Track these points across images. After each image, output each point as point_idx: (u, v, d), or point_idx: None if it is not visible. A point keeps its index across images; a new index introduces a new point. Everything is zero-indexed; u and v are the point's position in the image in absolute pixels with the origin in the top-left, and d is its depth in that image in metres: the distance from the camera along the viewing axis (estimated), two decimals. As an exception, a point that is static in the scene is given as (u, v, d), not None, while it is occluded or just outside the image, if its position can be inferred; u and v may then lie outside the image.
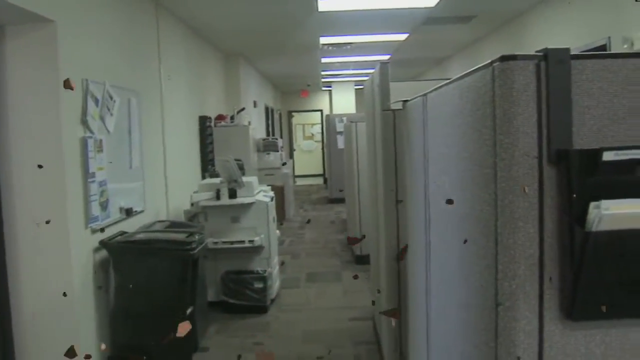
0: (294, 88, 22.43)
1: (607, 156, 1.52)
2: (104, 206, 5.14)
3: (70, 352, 2.98)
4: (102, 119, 5.16)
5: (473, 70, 1.84)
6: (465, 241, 1.89)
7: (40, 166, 4.31)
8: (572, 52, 1.61)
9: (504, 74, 1.61)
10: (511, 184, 1.61)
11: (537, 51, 1.61)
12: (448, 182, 2.28)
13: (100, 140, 5.08)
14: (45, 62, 4.45)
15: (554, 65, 1.59)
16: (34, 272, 4.53)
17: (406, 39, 10.98)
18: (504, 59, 1.61)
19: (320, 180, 23.57)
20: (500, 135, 1.62)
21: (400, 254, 4.14)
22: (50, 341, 4.58)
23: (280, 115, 23.14)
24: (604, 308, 1.60)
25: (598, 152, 1.52)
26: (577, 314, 1.61)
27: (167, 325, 5.19)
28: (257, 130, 13.79)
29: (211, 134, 9.78)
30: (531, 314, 1.62)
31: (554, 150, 1.57)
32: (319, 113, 24.05)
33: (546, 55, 1.59)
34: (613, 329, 1.63)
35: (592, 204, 1.51)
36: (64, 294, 4.45)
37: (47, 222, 4.38)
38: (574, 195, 1.54)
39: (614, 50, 5.98)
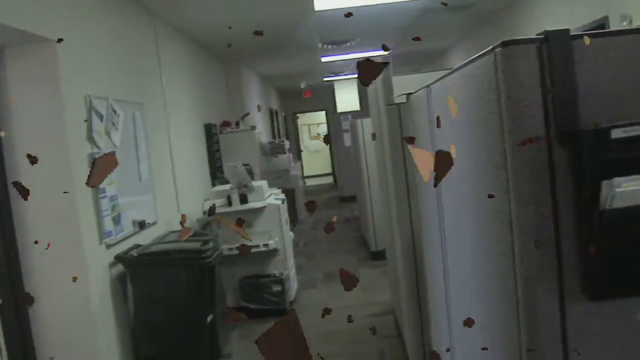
0: (296, 89, 22.43)
1: (616, 134, 1.52)
2: (116, 220, 5.16)
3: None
4: (108, 134, 5.17)
5: (475, 58, 1.84)
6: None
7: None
8: (572, 33, 1.60)
9: (506, 59, 1.61)
10: (521, 168, 1.61)
11: (537, 34, 1.61)
12: (458, 172, 2.28)
13: (108, 156, 5.09)
14: (46, 81, 4.46)
15: (555, 46, 1.58)
16: (52, 291, 4.54)
17: (404, 32, 10.96)
18: (505, 44, 1.61)
19: (330, 179, 23.58)
20: (507, 120, 1.62)
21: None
22: (73, 357, 4.60)
23: (285, 117, 23.15)
24: (622, 287, 1.60)
25: (607, 130, 1.52)
26: (597, 294, 1.60)
27: (187, 334, 5.22)
28: (263, 134, 13.81)
29: (218, 141, 9.79)
30: (551, 297, 1.62)
31: (562, 131, 1.57)
32: (323, 112, 24.04)
33: (547, 37, 1.59)
34: (634, 306, 1.62)
35: (604, 183, 1.50)
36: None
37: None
38: (586, 175, 1.54)
39: (613, 28, 5.97)
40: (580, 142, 1.54)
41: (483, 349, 2.14)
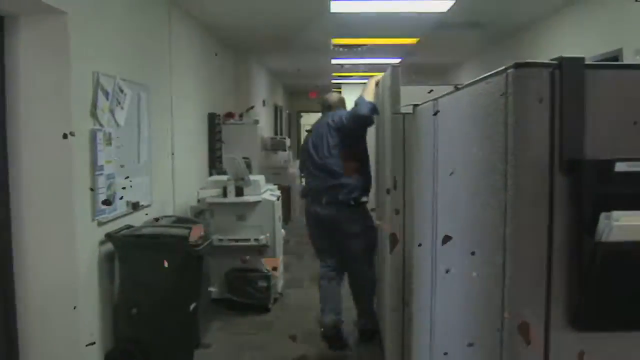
0: (303, 89, 22.42)
1: (620, 167, 1.52)
2: (111, 199, 5.15)
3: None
4: (111, 112, 5.16)
5: (486, 76, 1.84)
6: (473, 253, 1.88)
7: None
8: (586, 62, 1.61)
9: (518, 81, 1.61)
10: (521, 191, 1.61)
11: (551, 59, 1.61)
12: (457, 187, 2.28)
13: (110, 134, 5.09)
14: (56, 53, 4.44)
15: (568, 73, 1.58)
16: (39, 263, 4.53)
17: (417, 43, 10.97)
18: (518, 65, 1.61)
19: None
20: (512, 142, 1.62)
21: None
22: (53, 330, 4.60)
23: (289, 115, 23.15)
24: (610, 320, 1.60)
25: (610, 162, 1.52)
26: (584, 325, 1.61)
27: (170, 320, 5.22)
28: (266, 129, 13.79)
29: (220, 131, 9.77)
30: (537, 323, 1.62)
31: (566, 159, 1.57)
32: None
33: (561, 63, 1.59)
34: (619, 341, 1.63)
35: (603, 215, 1.51)
36: (74, 307, 4.58)
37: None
38: (585, 205, 1.54)
39: (626, 61, 5.97)
40: (582, 171, 1.55)
41: (469, 344, 2.14)
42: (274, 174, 10.96)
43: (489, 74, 1.81)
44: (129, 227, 5.39)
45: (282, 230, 8.09)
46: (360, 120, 5.65)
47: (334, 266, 6.19)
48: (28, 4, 4.16)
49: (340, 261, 6.16)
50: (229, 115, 10.40)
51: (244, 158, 7.38)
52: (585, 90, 1.59)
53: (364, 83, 5.97)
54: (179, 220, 6.28)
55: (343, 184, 5.85)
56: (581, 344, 1.63)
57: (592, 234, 1.52)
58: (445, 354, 2.52)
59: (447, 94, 2.51)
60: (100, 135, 4.88)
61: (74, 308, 4.56)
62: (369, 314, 6.13)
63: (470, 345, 2.06)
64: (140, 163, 5.95)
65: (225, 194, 7.07)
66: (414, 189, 3.54)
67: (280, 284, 7.73)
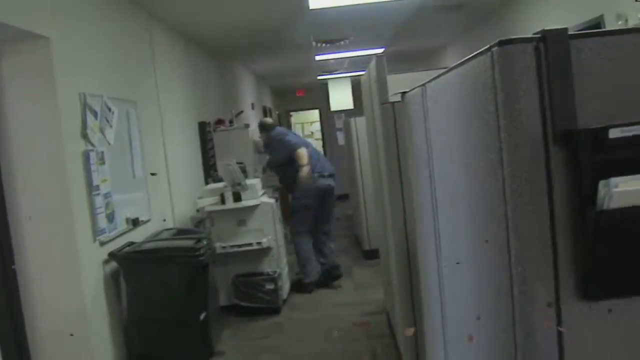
0: (290, 87, 22.40)
1: (613, 133, 1.51)
2: (110, 218, 5.15)
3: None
4: (102, 131, 5.16)
5: (472, 57, 1.84)
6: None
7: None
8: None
9: (503, 58, 1.60)
10: (518, 167, 1.60)
11: (534, 33, 1.60)
12: (454, 171, 2.28)
13: (102, 153, 5.08)
14: (41, 78, 4.45)
15: (552, 46, 1.58)
16: (46, 289, 4.54)
17: (399, 30, 10.95)
18: (502, 43, 1.60)
19: (322, 178, 23.50)
20: (504, 120, 1.62)
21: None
22: (66, 354, 4.60)
23: (279, 115, 23.13)
24: (620, 286, 1.60)
25: (604, 130, 1.52)
26: (594, 294, 1.60)
27: (181, 332, 5.22)
28: (257, 132, 13.77)
29: (211, 139, 9.76)
30: (547, 297, 1.62)
31: (559, 131, 1.57)
32: (317, 111, 24.01)
33: (544, 36, 1.58)
34: (630, 307, 1.62)
35: (601, 183, 1.50)
36: (71, 335, 4.61)
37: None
38: (583, 175, 1.54)
39: (608, 27, 5.96)
40: (577, 142, 1.54)
41: (469, 339, 2.13)
42: (270, 176, 10.93)
43: (474, 54, 1.81)
44: (130, 243, 5.40)
45: (284, 231, 8.10)
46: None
47: (310, 234, 8.27)
48: (9, 32, 4.15)
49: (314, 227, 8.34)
50: (219, 122, 10.38)
51: (238, 163, 7.38)
52: (572, 60, 1.59)
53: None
54: (180, 232, 6.29)
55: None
56: (593, 313, 1.62)
57: (593, 203, 1.52)
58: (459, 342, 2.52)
59: (435, 77, 2.50)
60: (93, 156, 4.88)
61: (71, 335, 4.57)
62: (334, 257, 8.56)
63: (478, 318, 2.06)
64: (136, 178, 5.95)
65: (223, 201, 7.08)
66: (410, 177, 3.53)
67: (287, 285, 7.73)
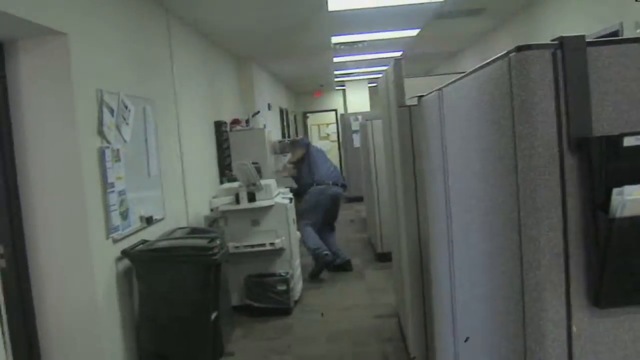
0: (307, 89, 22.43)
1: (628, 141, 1.51)
2: (124, 216, 5.16)
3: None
4: (118, 128, 5.17)
5: (489, 62, 1.84)
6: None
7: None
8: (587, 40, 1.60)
9: (521, 64, 1.60)
10: (532, 174, 1.60)
11: (552, 40, 1.60)
12: (468, 176, 2.28)
13: (118, 150, 5.10)
14: (58, 74, 4.46)
15: (570, 53, 1.58)
16: (58, 285, 4.55)
17: (418, 34, 10.95)
18: (519, 49, 1.61)
19: (338, 180, 23.51)
20: (519, 125, 1.62)
21: None
22: (77, 352, 4.61)
23: (295, 116, 23.16)
24: (631, 295, 1.59)
25: (619, 137, 1.52)
26: (604, 302, 1.60)
27: (192, 331, 5.23)
28: (273, 132, 13.80)
29: (227, 139, 9.78)
30: (558, 304, 1.61)
31: (574, 138, 1.56)
32: (333, 113, 24.03)
33: (562, 43, 1.58)
34: (641, 315, 1.62)
35: (615, 191, 1.50)
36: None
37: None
38: (596, 183, 1.53)
39: (627, 35, 5.95)
40: (592, 149, 1.54)
41: (465, 339, 2.13)
42: (285, 177, 10.95)
43: (491, 59, 1.81)
44: (144, 242, 5.41)
45: (298, 232, 8.10)
46: None
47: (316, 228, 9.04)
48: (27, 28, 4.17)
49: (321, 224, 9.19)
50: (236, 121, 10.40)
51: (253, 163, 7.38)
52: (588, 68, 1.58)
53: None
54: (194, 231, 6.29)
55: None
56: (603, 321, 1.62)
57: (606, 211, 1.52)
58: (467, 339, 2.51)
59: (451, 82, 2.50)
60: (108, 153, 4.89)
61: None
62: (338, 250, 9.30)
63: (489, 324, 2.05)
64: (151, 177, 5.96)
65: (237, 201, 7.08)
66: (425, 181, 3.53)
67: (299, 286, 7.73)
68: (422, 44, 12.26)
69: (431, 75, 4.55)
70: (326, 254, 8.72)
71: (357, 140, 15.45)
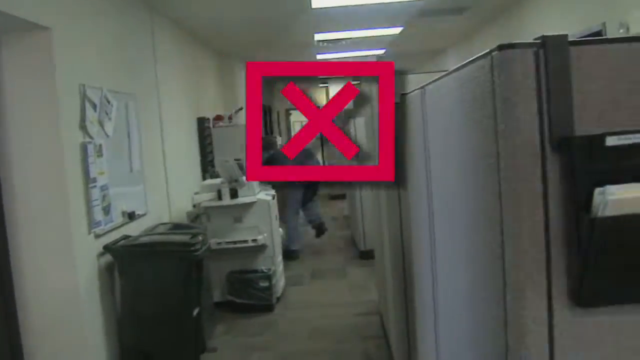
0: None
1: (610, 141, 1.51)
2: (106, 211, 5.14)
3: None
4: (100, 123, 5.15)
5: (471, 61, 1.84)
6: None
7: None
8: (570, 39, 1.60)
9: (503, 63, 1.60)
10: (514, 173, 1.60)
11: (535, 39, 1.60)
12: (451, 174, 2.28)
13: (100, 145, 5.08)
14: (41, 69, 4.44)
15: (552, 52, 1.58)
16: (39, 280, 4.53)
17: (401, 32, 10.95)
18: (502, 47, 1.60)
19: (320, 177, 23.45)
20: (501, 124, 1.62)
21: None
22: (59, 347, 4.59)
23: (277, 114, 23.11)
24: (612, 294, 1.60)
25: (601, 137, 1.52)
26: (586, 301, 1.60)
27: (174, 327, 5.21)
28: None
29: (210, 135, 9.75)
30: (540, 303, 1.61)
31: (556, 137, 1.56)
32: (316, 110, 23.98)
33: (544, 42, 1.58)
34: (623, 315, 1.62)
35: (597, 190, 1.50)
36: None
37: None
38: (578, 182, 1.54)
39: (610, 35, 5.97)
40: (574, 148, 1.54)
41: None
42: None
43: (474, 57, 1.81)
44: (126, 237, 5.39)
45: (280, 229, 8.10)
46: None
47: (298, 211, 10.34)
48: (10, 22, 4.14)
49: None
50: (218, 118, 10.38)
51: (236, 160, 7.37)
52: (571, 67, 1.58)
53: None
54: (176, 227, 6.28)
55: None
56: (585, 320, 1.63)
57: (588, 211, 1.52)
58: (450, 340, 2.52)
59: (435, 80, 2.50)
60: (91, 148, 4.88)
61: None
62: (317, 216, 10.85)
63: (471, 321, 2.06)
64: (133, 172, 5.94)
65: (220, 197, 7.08)
66: (407, 179, 3.53)
67: (281, 283, 7.73)
68: (406, 42, 12.26)
69: (414, 73, 4.55)
70: (293, 250, 9.90)
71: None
